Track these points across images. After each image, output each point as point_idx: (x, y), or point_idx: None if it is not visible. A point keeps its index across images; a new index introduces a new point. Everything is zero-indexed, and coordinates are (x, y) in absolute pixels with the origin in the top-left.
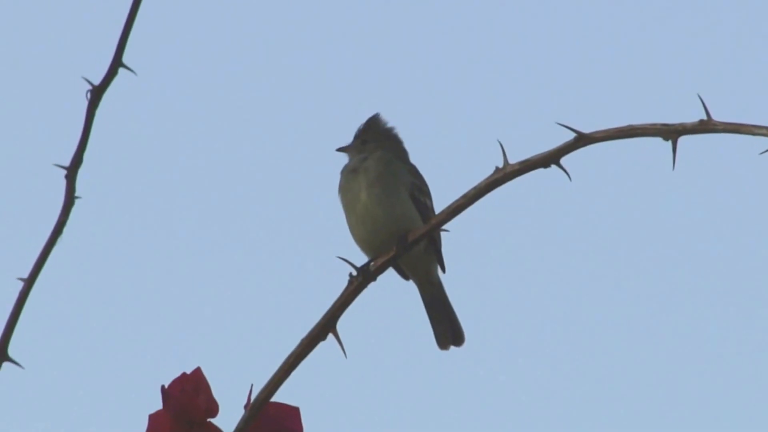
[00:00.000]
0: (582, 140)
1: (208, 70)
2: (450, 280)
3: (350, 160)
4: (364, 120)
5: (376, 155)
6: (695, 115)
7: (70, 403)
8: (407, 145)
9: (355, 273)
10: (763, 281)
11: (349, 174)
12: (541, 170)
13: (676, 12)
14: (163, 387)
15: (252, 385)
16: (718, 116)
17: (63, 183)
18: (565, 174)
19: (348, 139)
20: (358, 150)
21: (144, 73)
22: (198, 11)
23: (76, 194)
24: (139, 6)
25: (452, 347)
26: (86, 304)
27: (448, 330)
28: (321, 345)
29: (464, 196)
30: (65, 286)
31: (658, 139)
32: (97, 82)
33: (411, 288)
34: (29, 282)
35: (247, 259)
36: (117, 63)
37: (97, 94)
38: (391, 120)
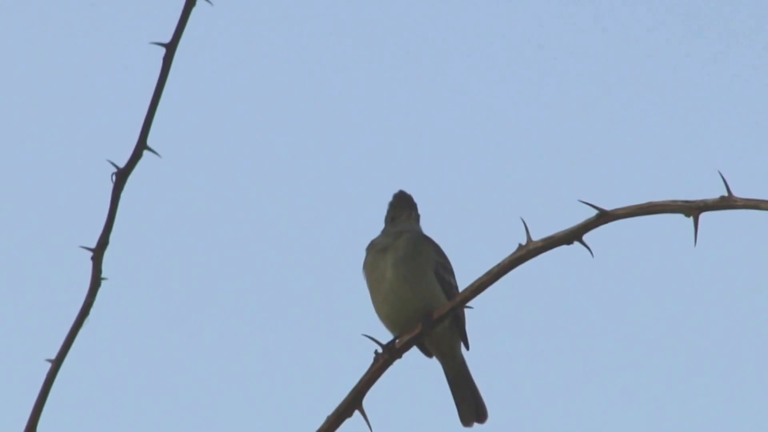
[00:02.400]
0: (604, 217)
1: (233, 152)
2: (473, 357)
3: (380, 236)
4: (390, 197)
5: (407, 236)
6: (716, 192)
7: None
8: (430, 221)
9: (380, 350)
10: None
11: (377, 253)
12: (564, 247)
13: (697, 89)
14: None
15: None
16: (738, 192)
17: (89, 265)
18: (587, 250)
19: (372, 215)
20: (388, 231)
21: (168, 156)
22: (220, 94)
23: (103, 276)
24: (162, 90)
25: (476, 424)
26: (114, 385)
27: (471, 407)
28: (347, 422)
29: (488, 273)
30: (93, 367)
31: (680, 215)
32: (122, 164)
33: (435, 365)
34: (57, 363)
35: (273, 337)
36: (141, 146)
37: (122, 176)
38: (414, 195)
